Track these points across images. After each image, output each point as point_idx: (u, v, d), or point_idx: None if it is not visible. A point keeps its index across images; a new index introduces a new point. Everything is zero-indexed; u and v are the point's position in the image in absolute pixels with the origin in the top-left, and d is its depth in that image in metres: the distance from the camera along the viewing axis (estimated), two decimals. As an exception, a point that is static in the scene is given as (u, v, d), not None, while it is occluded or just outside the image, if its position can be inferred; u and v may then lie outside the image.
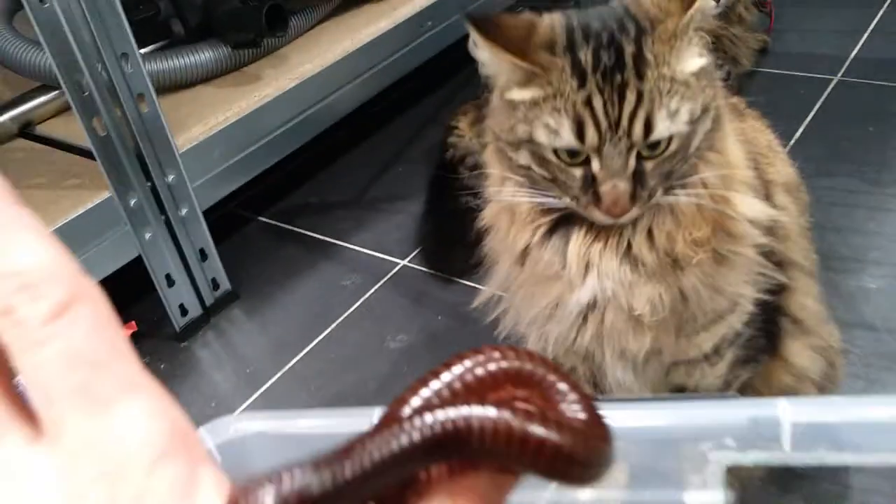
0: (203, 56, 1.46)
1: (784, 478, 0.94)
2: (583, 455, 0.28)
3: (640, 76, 0.67)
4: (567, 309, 0.76)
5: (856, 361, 1.12)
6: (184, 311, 1.38)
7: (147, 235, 1.30)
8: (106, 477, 0.26)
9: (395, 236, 1.56)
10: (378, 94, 1.68)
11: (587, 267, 0.74)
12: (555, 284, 0.76)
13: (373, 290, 1.45)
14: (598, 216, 0.70)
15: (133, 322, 1.35)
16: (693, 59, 0.69)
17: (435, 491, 0.30)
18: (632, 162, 0.68)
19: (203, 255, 1.39)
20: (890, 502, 0.80)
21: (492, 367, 0.30)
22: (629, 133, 0.67)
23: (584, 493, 0.88)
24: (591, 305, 0.75)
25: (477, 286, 1.39)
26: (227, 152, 1.39)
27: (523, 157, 0.72)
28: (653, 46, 0.67)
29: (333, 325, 1.38)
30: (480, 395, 0.30)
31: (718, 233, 0.74)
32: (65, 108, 1.46)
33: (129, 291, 1.40)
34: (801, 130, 1.62)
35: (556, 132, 0.68)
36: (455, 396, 0.30)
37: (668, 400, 0.64)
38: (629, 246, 0.73)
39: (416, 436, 0.28)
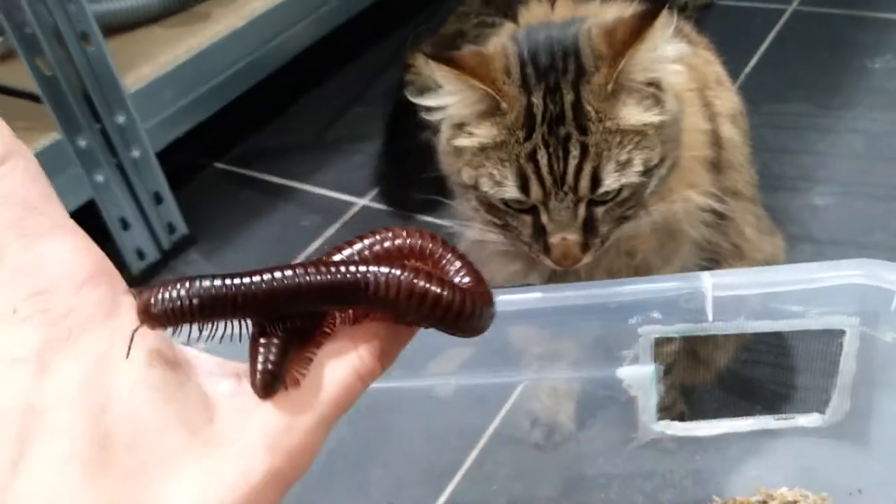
0: (151, -4, 1.44)
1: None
2: (468, 309, 0.34)
3: (583, 130, 0.65)
4: (530, 278, 0.78)
5: (802, 272, 1.14)
6: (141, 255, 1.38)
7: (99, 178, 1.29)
8: (39, 294, 0.31)
9: (354, 176, 1.56)
10: (335, 34, 1.66)
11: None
12: (521, 257, 0.77)
13: (332, 230, 1.45)
14: (551, 265, 0.69)
15: (91, 266, 1.34)
16: (642, 114, 0.66)
17: (339, 335, 0.35)
18: (581, 213, 0.67)
19: (158, 198, 1.39)
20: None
21: (398, 241, 0.35)
22: (575, 188, 0.65)
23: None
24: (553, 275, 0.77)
25: (437, 221, 1.40)
26: (179, 93, 1.38)
27: (473, 202, 0.71)
28: (590, 97, 0.65)
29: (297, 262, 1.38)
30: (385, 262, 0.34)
31: (671, 235, 0.76)
32: (9, 54, 1.44)
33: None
34: (755, 59, 1.64)
35: (500, 184, 0.66)
36: (363, 262, 0.34)
37: (597, 283, 0.66)
38: None
39: (320, 277, 0.33)
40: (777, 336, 0.63)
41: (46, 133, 1.24)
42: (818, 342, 0.64)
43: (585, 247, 0.67)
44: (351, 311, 0.35)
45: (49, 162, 1.23)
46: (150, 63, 1.35)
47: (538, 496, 0.85)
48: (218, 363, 0.35)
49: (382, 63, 1.85)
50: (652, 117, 0.66)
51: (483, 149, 0.67)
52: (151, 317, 0.32)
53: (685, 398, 0.84)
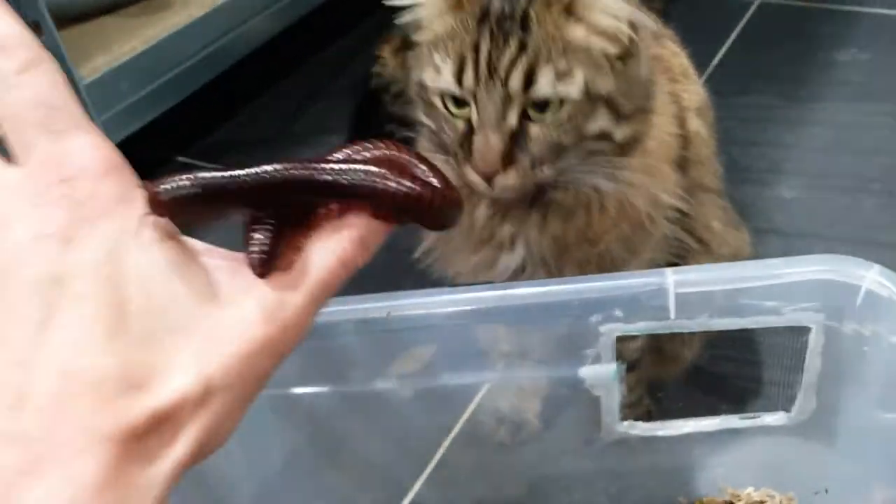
0: (107, -15, 1.40)
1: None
2: (437, 203, 0.39)
3: (525, 28, 0.64)
4: (497, 269, 0.77)
5: (769, 265, 1.14)
6: (100, 250, 1.34)
7: (55, 172, 1.25)
8: (65, 182, 0.35)
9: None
10: (300, 25, 1.64)
11: (513, 237, 0.75)
12: (486, 245, 0.77)
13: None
14: (471, 175, 0.66)
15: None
16: (591, 36, 0.65)
17: (325, 227, 0.39)
18: (511, 118, 0.64)
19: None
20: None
21: (376, 152, 0.40)
22: (506, 81, 0.64)
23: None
24: (521, 269, 0.76)
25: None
26: (136, 84, 1.34)
27: (419, 109, 0.71)
28: (539, 6, 0.65)
29: (256, 260, 1.36)
30: None
31: (634, 229, 0.74)
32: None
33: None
34: (723, 51, 1.63)
35: (440, 71, 0.66)
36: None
37: (557, 280, 0.64)
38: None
39: (308, 172, 0.38)
40: (742, 333, 0.62)
41: (-2, 126, 1.20)
42: (784, 339, 0.63)
43: (510, 159, 0.65)
44: (336, 206, 0.40)
45: (1, 156, 1.19)
46: (105, 53, 1.31)
47: (503, 497, 0.83)
48: (217, 250, 0.39)
49: (348, 55, 1.82)
50: (603, 42, 0.65)
51: (436, 42, 0.67)
52: (160, 204, 0.36)
53: (651, 395, 0.83)
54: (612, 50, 0.65)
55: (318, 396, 0.72)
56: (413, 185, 0.38)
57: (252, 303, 0.37)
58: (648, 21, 0.67)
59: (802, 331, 0.61)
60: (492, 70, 0.64)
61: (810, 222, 1.22)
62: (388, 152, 0.41)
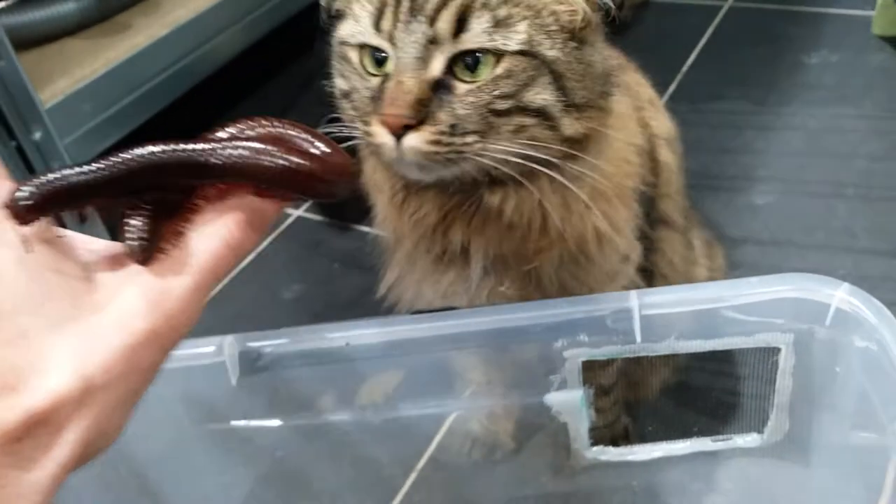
0: (67, 6, 1.37)
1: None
2: (322, 174, 0.38)
3: None
4: (469, 287, 0.71)
5: (744, 274, 1.13)
6: (66, 277, 1.32)
7: (17, 198, 1.23)
8: None
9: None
10: (263, 43, 1.62)
11: (465, 248, 0.68)
12: (446, 264, 0.71)
13: (267, 243, 1.41)
14: (376, 130, 0.57)
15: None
16: None
17: (208, 210, 0.38)
18: (434, 65, 0.56)
19: (82, 217, 1.32)
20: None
21: (260, 130, 0.40)
22: (432, 21, 0.56)
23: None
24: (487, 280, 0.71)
25: (372, 230, 1.35)
26: (99, 106, 1.31)
27: (335, 73, 0.64)
28: None
29: (227, 281, 1.34)
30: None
31: (577, 255, 0.68)
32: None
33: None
34: (693, 57, 1.63)
35: (357, 19, 0.59)
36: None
37: (521, 304, 0.63)
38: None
39: (177, 153, 0.37)
40: (712, 354, 0.61)
41: (-43, 153, 1.18)
42: (754, 360, 0.62)
43: (425, 113, 0.56)
44: (219, 187, 0.38)
45: (-40, 184, 1.16)
46: (66, 76, 1.29)
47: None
48: (97, 241, 0.38)
49: (312, 72, 1.80)
50: (556, 4, 0.58)
51: None
52: (17, 211, 0.35)
53: (628, 413, 0.82)
54: (564, 18, 0.59)
55: (279, 430, 0.70)
56: (294, 159, 0.38)
57: (133, 293, 0.35)
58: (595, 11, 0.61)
59: (773, 351, 0.60)
60: (416, 9, 0.56)
61: (784, 229, 1.21)
62: (272, 129, 0.40)
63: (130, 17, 1.42)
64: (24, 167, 1.23)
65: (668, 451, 0.66)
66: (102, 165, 0.36)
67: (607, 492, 0.74)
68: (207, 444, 0.70)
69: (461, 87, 0.57)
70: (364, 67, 0.60)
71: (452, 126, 0.57)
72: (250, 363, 0.62)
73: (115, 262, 0.37)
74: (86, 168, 0.36)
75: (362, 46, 0.60)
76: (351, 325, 0.63)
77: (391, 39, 0.57)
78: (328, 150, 0.40)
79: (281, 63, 1.82)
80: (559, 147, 0.60)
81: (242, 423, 0.69)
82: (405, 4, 0.57)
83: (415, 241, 0.70)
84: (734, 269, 1.11)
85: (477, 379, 0.73)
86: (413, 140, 0.56)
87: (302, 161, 0.38)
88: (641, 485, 0.72)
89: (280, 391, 0.69)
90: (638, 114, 0.77)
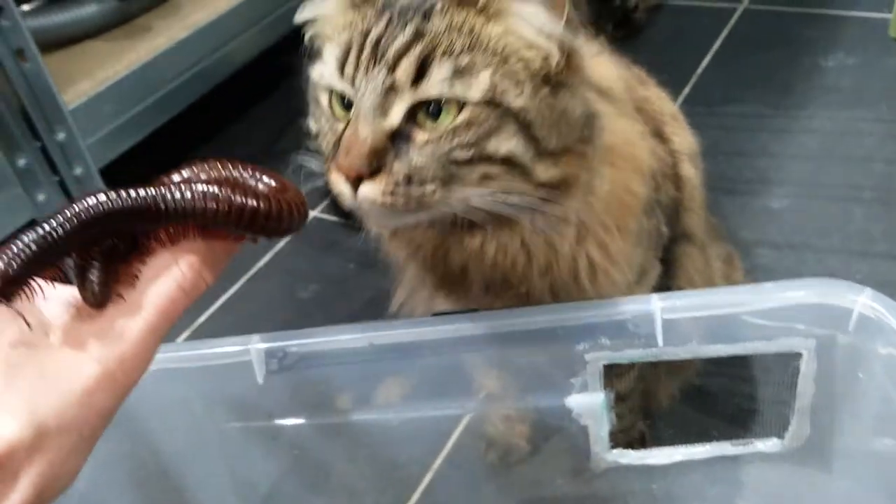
0: (89, 9, 1.39)
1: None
2: (273, 213, 0.39)
3: (426, 16, 0.56)
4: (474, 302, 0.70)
5: (760, 278, 1.13)
6: (86, 276, 1.33)
7: (40, 197, 1.24)
8: None
9: (304, 188, 1.52)
10: (280, 45, 1.63)
11: (463, 268, 0.67)
12: (452, 283, 0.70)
13: (284, 243, 1.42)
14: (334, 178, 0.56)
15: (32, 290, 1.29)
16: (506, 35, 0.56)
17: (160, 253, 0.39)
18: (393, 115, 0.55)
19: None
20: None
21: (212, 172, 0.41)
22: (393, 68, 0.54)
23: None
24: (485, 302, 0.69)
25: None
26: (120, 107, 1.33)
27: (310, 114, 0.63)
28: (450, 5, 0.56)
29: (243, 280, 1.35)
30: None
31: (567, 284, 0.66)
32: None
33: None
34: (707, 59, 1.63)
35: (326, 63, 0.58)
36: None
37: (543, 307, 0.63)
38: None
39: (124, 203, 0.37)
40: (733, 359, 0.61)
41: (-17, 153, 1.19)
42: (775, 364, 0.62)
43: (380, 164, 0.54)
44: (171, 230, 0.39)
45: (-13, 182, 1.18)
46: (89, 78, 1.31)
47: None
48: (51, 286, 0.38)
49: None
50: (524, 51, 0.56)
51: (331, 35, 0.60)
52: None
53: (645, 420, 0.82)
54: (535, 64, 0.56)
55: (300, 428, 0.71)
56: (244, 200, 0.39)
57: (87, 340, 0.36)
58: (586, 48, 0.59)
59: (795, 356, 0.60)
60: (378, 56, 0.55)
61: (800, 233, 1.21)
62: (224, 171, 0.41)
63: (151, 19, 1.44)
64: (49, 167, 1.25)
65: (687, 455, 0.66)
66: (58, 224, 0.37)
67: (625, 495, 0.75)
68: (232, 441, 0.71)
69: (420, 137, 0.55)
70: (332, 111, 0.59)
71: (408, 177, 0.55)
72: (276, 362, 0.63)
73: (68, 306, 0.38)
74: (46, 229, 0.36)
75: (330, 90, 0.59)
76: (375, 325, 0.64)
77: (352, 83, 0.56)
78: (279, 189, 0.41)
79: (300, 65, 1.83)
80: (535, 193, 0.58)
81: (266, 421, 0.70)
82: (367, 50, 0.56)
83: (418, 265, 0.71)
84: (750, 272, 1.11)
85: (490, 385, 0.73)
86: (367, 191, 0.54)
87: (252, 202, 0.39)
88: (661, 489, 0.72)
89: (301, 390, 0.70)
90: (657, 129, 0.77)
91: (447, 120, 0.55)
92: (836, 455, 0.64)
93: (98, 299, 0.37)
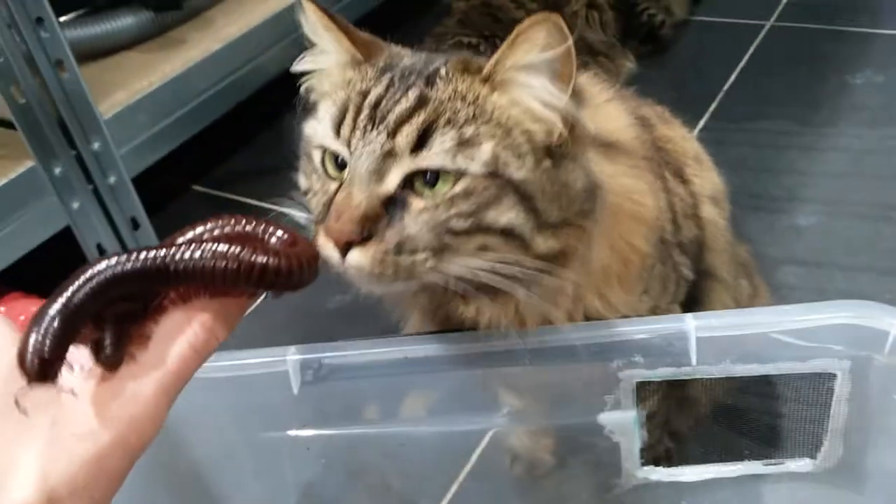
0: (125, 21, 1.41)
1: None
2: (284, 269, 0.39)
3: (430, 83, 0.55)
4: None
5: (787, 296, 1.13)
6: (117, 283, 1.35)
7: (75, 205, 1.26)
8: None
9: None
10: (310, 56, 1.65)
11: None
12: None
13: (312, 254, 1.43)
14: (322, 241, 0.53)
15: (65, 296, 1.31)
16: (511, 107, 0.55)
17: (173, 313, 0.39)
18: (390, 180, 0.53)
19: (135, 224, 1.36)
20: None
21: (226, 228, 0.41)
22: (393, 133, 0.53)
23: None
24: None
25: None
26: (154, 118, 1.36)
27: (300, 169, 0.62)
28: (456, 71, 0.56)
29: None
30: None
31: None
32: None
33: (65, 263, 1.37)
34: (734, 76, 1.63)
35: (321, 121, 0.57)
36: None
37: (577, 325, 0.64)
38: None
39: (134, 265, 0.37)
40: (766, 378, 0.61)
41: (21, 161, 1.22)
42: (809, 385, 0.62)
43: (372, 230, 0.52)
44: (182, 289, 0.39)
45: (24, 190, 1.21)
46: (124, 89, 1.33)
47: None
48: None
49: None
50: (529, 123, 0.55)
51: (329, 92, 0.59)
52: (37, 373, 0.34)
53: (671, 437, 0.82)
54: (539, 136, 0.55)
55: (327, 439, 0.71)
56: (254, 258, 0.38)
57: (99, 403, 0.35)
58: (589, 125, 0.57)
59: (828, 377, 0.60)
60: (378, 118, 0.54)
61: (828, 251, 1.21)
62: (233, 227, 0.41)
63: (185, 32, 1.46)
64: (84, 176, 1.27)
65: (718, 473, 0.66)
66: (74, 293, 0.37)
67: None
68: (264, 451, 0.72)
69: (416, 205, 0.53)
70: (325, 169, 0.57)
71: (399, 245, 0.53)
72: (312, 373, 0.64)
73: (80, 367, 0.37)
74: (64, 299, 0.36)
75: (324, 149, 0.57)
76: (409, 339, 0.65)
77: (348, 145, 0.54)
78: (290, 243, 0.41)
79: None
80: (531, 264, 0.56)
81: (299, 431, 0.71)
82: (365, 112, 0.54)
83: (418, 315, 0.69)
84: (776, 290, 1.11)
85: (515, 402, 0.73)
86: (356, 258, 0.52)
87: (262, 259, 0.38)
88: (689, 506, 0.72)
89: (332, 401, 0.70)
90: (678, 170, 0.76)
91: (444, 188, 0.53)
92: (869, 476, 0.64)
93: (110, 361, 0.37)
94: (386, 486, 0.82)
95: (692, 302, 0.75)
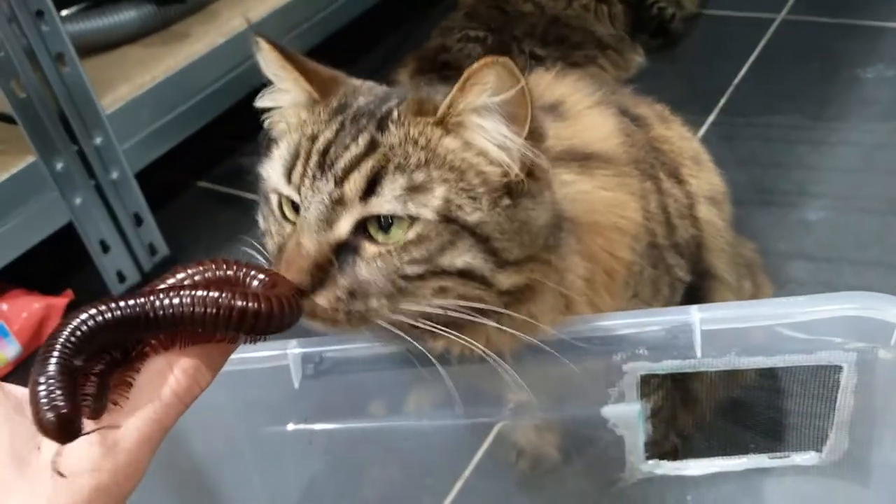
0: (128, 15, 1.41)
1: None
2: (266, 313, 0.38)
3: (381, 127, 0.54)
4: None
5: (796, 291, 1.12)
6: (122, 278, 1.35)
7: (77, 201, 1.26)
8: None
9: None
10: (316, 51, 1.64)
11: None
12: None
13: (317, 249, 1.42)
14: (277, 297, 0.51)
15: (70, 290, 1.31)
16: (465, 151, 0.54)
17: (155, 359, 0.38)
18: (340, 227, 0.52)
19: (138, 219, 1.36)
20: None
21: (208, 274, 0.41)
22: (342, 181, 0.52)
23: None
24: None
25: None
26: (157, 113, 1.35)
27: (259, 211, 0.61)
28: (409, 114, 0.55)
29: (276, 285, 1.36)
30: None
31: None
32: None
33: (67, 260, 1.37)
34: (745, 70, 1.62)
35: (273, 163, 0.56)
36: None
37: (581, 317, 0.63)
38: None
39: (115, 314, 0.37)
40: (771, 370, 0.60)
41: (22, 156, 1.21)
42: (814, 377, 0.61)
43: (323, 278, 0.51)
44: (163, 336, 0.39)
45: (25, 185, 1.20)
46: (127, 83, 1.33)
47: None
48: None
49: (365, 78, 1.82)
50: (484, 165, 0.54)
51: (284, 133, 0.58)
52: (66, 434, 0.35)
53: (677, 432, 0.81)
54: (495, 178, 0.54)
55: (332, 434, 0.71)
56: (234, 302, 0.38)
57: (79, 452, 0.35)
58: (547, 163, 0.56)
59: (834, 369, 0.60)
60: (327, 165, 0.53)
61: (837, 246, 1.20)
62: (215, 271, 0.41)
63: (188, 26, 1.45)
64: (86, 171, 1.26)
65: (723, 467, 0.66)
66: (62, 346, 0.36)
67: (659, 506, 0.74)
68: (266, 445, 0.72)
69: (370, 250, 0.53)
70: (283, 213, 0.57)
71: (351, 292, 0.52)
72: (313, 367, 0.63)
73: None
74: (57, 361, 0.36)
75: (279, 193, 0.57)
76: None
77: (299, 193, 0.54)
78: (271, 286, 0.40)
79: (335, 68, 1.84)
80: (497, 301, 0.55)
81: (301, 426, 0.70)
82: (314, 158, 0.54)
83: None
84: (784, 285, 1.10)
85: (519, 396, 0.73)
86: (308, 306, 0.51)
87: (242, 303, 0.38)
88: (694, 500, 0.71)
89: (334, 395, 0.70)
90: (674, 170, 0.75)
91: (399, 233, 0.52)
92: (875, 469, 0.64)
93: (92, 408, 0.36)
94: (389, 481, 0.81)
95: (694, 302, 0.73)
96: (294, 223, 0.55)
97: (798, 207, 1.28)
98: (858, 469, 0.64)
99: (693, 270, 0.74)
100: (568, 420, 0.75)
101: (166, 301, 0.38)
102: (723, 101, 1.53)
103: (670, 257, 0.72)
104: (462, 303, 0.54)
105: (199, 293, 0.38)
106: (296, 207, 0.55)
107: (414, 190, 0.52)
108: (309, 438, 0.71)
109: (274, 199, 0.57)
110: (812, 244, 1.21)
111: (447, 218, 0.52)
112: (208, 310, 0.38)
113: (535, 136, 0.54)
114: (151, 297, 0.38)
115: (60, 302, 1.27)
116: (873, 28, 1.68)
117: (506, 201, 0.54)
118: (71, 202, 1.25)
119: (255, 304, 0.38)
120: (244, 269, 0.41)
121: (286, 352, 0.64)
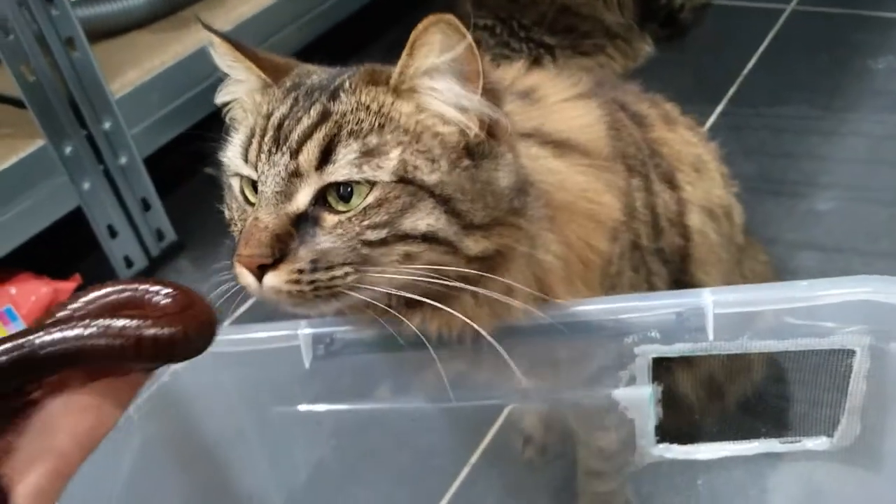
0: (136, 0, 1.41)
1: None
2: (178, 336, 0.33)
3: (333, 97, 0.55)
4: None
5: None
6: (129, 263, 1.35)
7: (85, 185, 1.26)
8: None
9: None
10: (323, 39, 1.64)
11: None
12: None
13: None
14: (238, 271, 0.52)
15: (77, 275, 1.31)
16: (418, 113, 0.54)
17: (47, 401, 0.34)
18: (299, 199, 0.52)
19: (146, 204, 1.36)
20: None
21: (109, 298, 0.35)
22: (296, 153, 0.52)
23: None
24: None
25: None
26: (166, 98, 1.35)
27: (225, 201, 0.61)
28: (360, 83, 0.55)
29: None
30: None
31: None
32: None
33: (75, 244, 1.37)
34: (754, 60, 1.61)
35: (232, 147, 0.57)
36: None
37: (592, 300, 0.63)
38: None
39: (22, 353, 0.32)
40: (782, 355, 0.60)
41: (31, 140, 1.21)
42: (826, 362, 0.61)
43: (284, 251, 0.51)
44: (56, 377, 0.34)
45: (34, 169, 1.20)
46: (136, 68, 1.33)
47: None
48: None
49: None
50: (439, 126, 0.54)
51: (241, 117, 0.59)
52: None
53: (687, 417, 0.81)
54: (452, 139, 0.54)
55: (341, 415, 0.71)
56: (138, 330, 0.33)
57: None
58: (506, 120, 0.56)
59: (846, 354, 0.59)
60: (281, 139, 0.53)
61: (847, 236, 1.19)
62: (118, 294, 0.35)
63: (197, 11, 1.45)
64: (94, 156, 1.27)
65: (734, 452, 0.65)
66: None
67: (668, 490, 0.74)
68: (275, 426, 0.72)
69: (329, 220, 0.53)
70: (245, 196, 0.57)
71: (314, 262, 0.52)
72: (323, 348, 0.63)
73: None
74: None
75: (239, 176, 0.57)
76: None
77: (256, 170, 0.54)
78: (185, 305, 0.35)
79: (343, 56, 1.84)
80: (467, 268, 0.55)
81: (310, 406, 0.70)
82: (269, 133, 0.54)
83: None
84: (794, 275, 1.10)
85: (529, 378, 0.72)
86: (271, 280, 0.51)
87: (151, 331, 0.33)
88: (705, 485, 0.71)
89: (343, 377, 0.70)
90: (669, 175, 0.73)
91: (358, 200, 0.52)
92: (887, 454, 0.63)
93: None
94: (397, 463, 0.81)
95: None
96: (250, 203, 0.56)
97: (808, 198, 1.28)
98: (870, 455, 0.64)
99: (676, 282, 0.72)
100: (578, 403, 0.75)
101: (56, 336, 0.32)
102: (732, 91, 1.53)
103: (652, 262, 0.71)
104: (432, 268, 0.53)
105: (100, 324, 0.33)
106: (256, 188, 0.55)
107: (368, 154, 0.52)
108: (318, 419, 0.71)
109: (236, 184, 0.58)
110: (822, 234, 1.21)
111: (405, 179, 0.52)
112: (108, 342, 0.33)
113: (491, 95, 0.55)
114: (35, 335, 0.33)
115: (68, 286, 1.27)
116: (884, 19, 1.67)
117: (466, 162, 0.54)
118: (79, 187, 1.25)
119: (166, 331, 0.33)
120: (147, 285, 0.36)
121: (297, 332, 0.64)
